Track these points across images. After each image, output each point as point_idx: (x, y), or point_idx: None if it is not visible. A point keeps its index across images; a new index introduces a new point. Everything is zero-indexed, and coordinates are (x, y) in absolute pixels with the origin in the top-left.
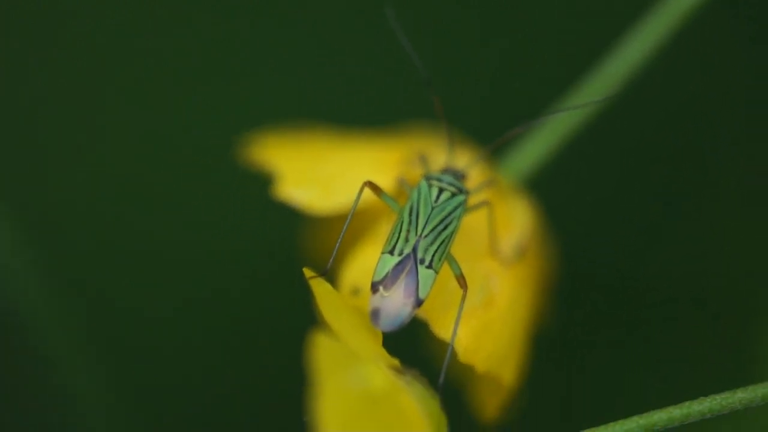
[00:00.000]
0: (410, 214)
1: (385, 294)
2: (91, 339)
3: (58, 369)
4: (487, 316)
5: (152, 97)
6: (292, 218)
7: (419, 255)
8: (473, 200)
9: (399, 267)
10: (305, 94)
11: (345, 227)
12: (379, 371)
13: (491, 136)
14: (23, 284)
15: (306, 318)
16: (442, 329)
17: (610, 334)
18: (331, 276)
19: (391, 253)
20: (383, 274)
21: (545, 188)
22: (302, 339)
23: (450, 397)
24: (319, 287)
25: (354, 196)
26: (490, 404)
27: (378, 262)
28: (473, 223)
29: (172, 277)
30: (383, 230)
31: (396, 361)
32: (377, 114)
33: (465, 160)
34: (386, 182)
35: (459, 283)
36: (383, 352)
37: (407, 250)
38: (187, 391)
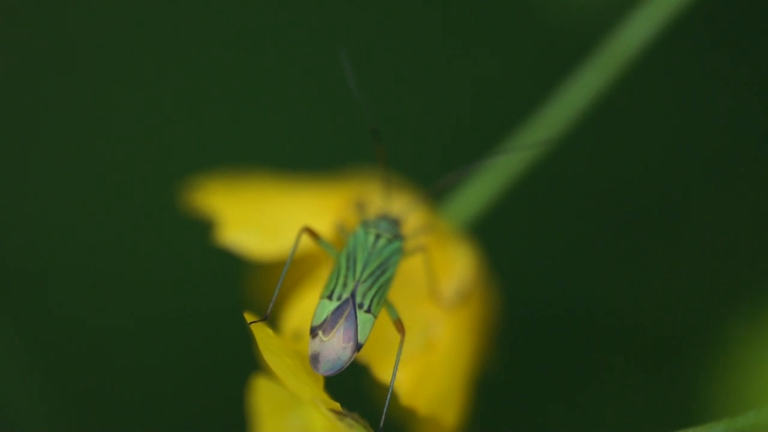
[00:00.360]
0: (348, 260)
1: (324, 338)
2: (29, 351)
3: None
4: (428, 361)
5: (97, 131)
6: (234, 260)
7: (357, 300)
8: (412, 245)
9: (338, 312)
10: (250, 135)
11: (284, 272)
12: (319, 414)
13: (433, 180)
14: None
15: (246, 357)
16: (383, 373)
17: (553, 375)
18: (271, 320)
19: (330, 297)
20: (322, 318)
21: (487, 231)
22: (243, 377)
23: None
24: (260, 332)
25: (293, 236)
26: None
27: (317, 307)
28: (414, 268)
29: (121, 305)
30: (323, 275)
31: (337, 404)
32: (321, 158)
33: (403, 204)
34: (326, 227)
35: (396, 327)
36: (324, 395)
37: (346, 295)
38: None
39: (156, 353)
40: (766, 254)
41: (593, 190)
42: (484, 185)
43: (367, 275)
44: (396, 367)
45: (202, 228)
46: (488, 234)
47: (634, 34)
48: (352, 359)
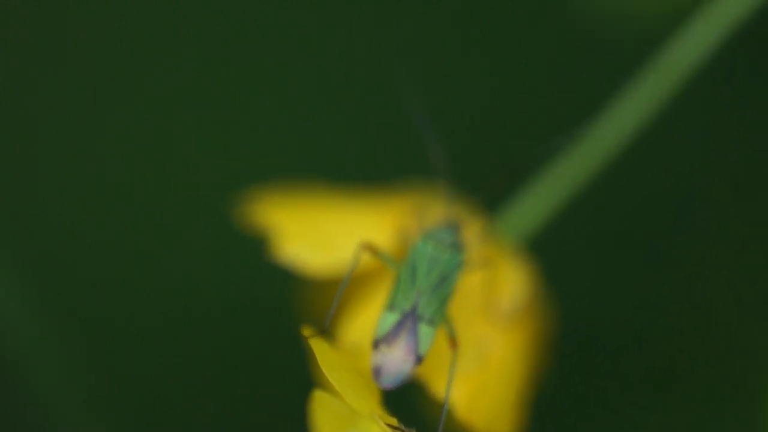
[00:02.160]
0: (409, 272)
1: (387, 351)
2: (72, 355)
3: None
4: (483, 378)
5: (150, 138)
6: (289, 277)
7: (419, 312)
8: (471, 257)
9: (399, 324)
10: (302, 143)
11: (343, 287)
12: (378, 428)
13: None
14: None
15: (303, 378)
16: (438, 389)
17: (608, 395)
18: (329, 335)
19: (392, 310)
20: (384, 331)
21: (545, 245)
22: (300, 398)
23: None
24: (318, 346)
25: (351, 255)
26: None
27: (379, 319)
28: (469, 283)
29: (163, 335)
30: (381, 290)
31: (394, 420)
32: (372, 167)
33: (463, 216)
34: (384, 240)
35: (449, 343)
36: (382, 410)
37: (407, 308)
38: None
39: (164, 356)
40: None
41: (659, 206)
42: (540, 198)
43: (428, 287)
44: (450, 383)
45: (208, 228)
46: (546, 247)
47: (687, 49)
48: (413, 372)
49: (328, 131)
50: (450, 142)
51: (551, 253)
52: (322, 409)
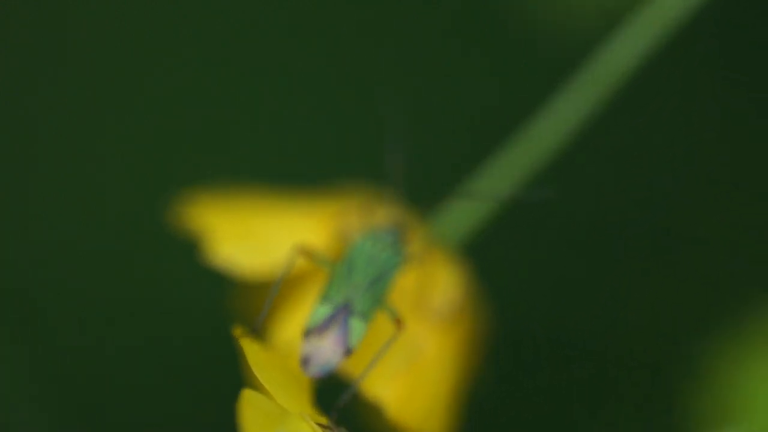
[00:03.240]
0: (346, 268)
1: (316, 341)
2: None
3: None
4: (415, 377)
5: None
6: (222, 278)
7: (352, 306)
8: (409, 259)
9: (331, 316)
10: (243, 144)
11: (275, 288)
12: (307, 427)
13: (426, 197)
14: None
15: (236, 376)
16: (370, 389)
17: (543, 394)
18: (260, 335)
19: (324, 302)
20: (316, 322)
21: (481, 249)
22: (234, 394)
23: None
24: (248, 346)
25: (285, 256)
26: None
27: (311, 311)
28: (403, 283)
29: (111, 328)
30: (315, 291)
31: (325, 419)
32: (314, 169)
33: (403, 218)
34: (320, 241)
35: (395, 324)
36: (313, 409)
37: (340, 301)
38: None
39: (150, 374)
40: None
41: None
42: (475, 208)
43: (363, 283)
44: (377, 358)
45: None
46: (486, 254)
47: (626, 49)
48: (341, 363)
49: (328, 133)
50: (414, 146)
51: (490, 255)
52: (250, 407)
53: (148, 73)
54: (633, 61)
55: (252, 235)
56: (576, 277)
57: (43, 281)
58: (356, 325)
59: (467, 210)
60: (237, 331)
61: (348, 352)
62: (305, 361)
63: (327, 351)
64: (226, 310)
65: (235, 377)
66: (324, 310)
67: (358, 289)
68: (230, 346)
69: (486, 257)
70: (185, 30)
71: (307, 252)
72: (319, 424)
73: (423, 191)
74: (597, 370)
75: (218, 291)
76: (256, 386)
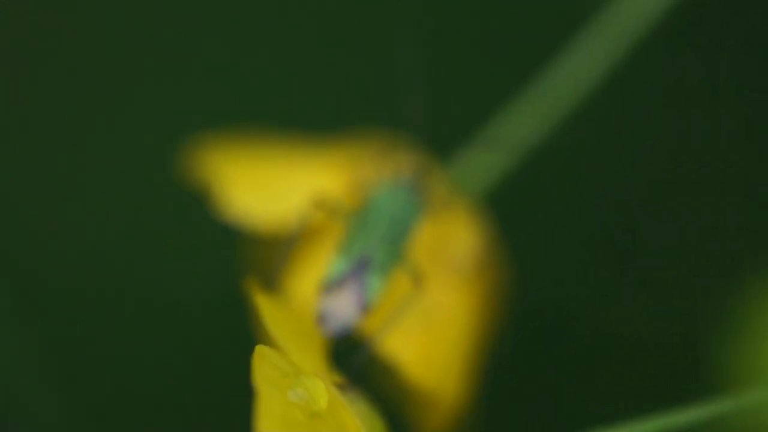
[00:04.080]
0: (363, 219)
1: (333, 298)
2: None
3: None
4: (431, 335)
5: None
6: (236, 237)
7: (370, 260)
8: (428, 209)
9: (349, 271)
10: (260, 93)
11: (291, 240)
12: (321, 387)
13: (446, 144)
14: None
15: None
16: (387, 349)
17: (563, 360)
18: (275, 291)
19: (341, 256)
20: (332, 277)
21: (502, 203)
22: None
23: (393, 416)
24: (262, 301)
25: (302, 207)
26: (432, 423)
27: (328, 266)
28: (422, 238)
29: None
30: (330, 245)
31: (339, 378)
32: (325, 116)
33: (423, 167)
34: (336, 189)
35: (413, 281)
36: (328, 367)
37: (358, 255)
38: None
39: (161, 352)
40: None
41: (627, 170)
42: (496, 156)
43: (381, 235)
44: (397, 317)
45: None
46: (507, 205)
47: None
48: (359, 320)
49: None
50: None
51: (514, 214)
52: (264, 363)
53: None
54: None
55: (267, 185)
56: (599, 240)
57: (53, 263)
58: (374, 280)
59: (488, 158)
60: (249, 286)
61: (366, 309)
62: (321, 319)
63: (344, 308)
64: (239, 266)
65: (247, 342)
66: (341, 265)
67: (376, 242)
68: (244, 313)
69: (507, 208)
70: (185, 34)
71: (323, 203)
72: (334, 383)
73: (442, 138)
74: (618, 337)
75: (231, 252)
76: (270, 343)
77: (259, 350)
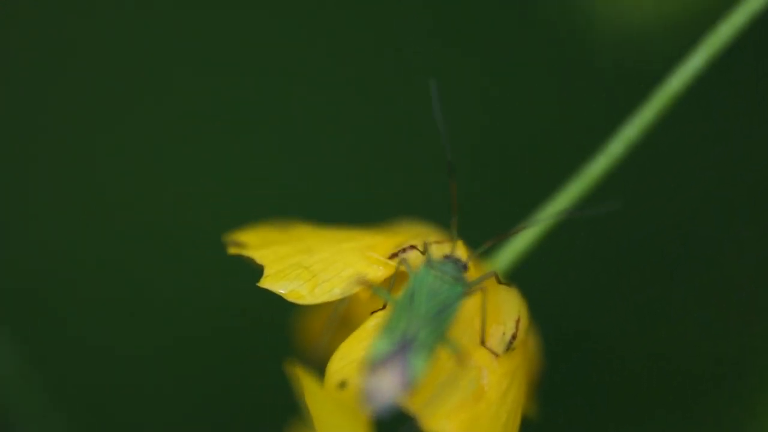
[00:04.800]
0: (408, 300)
1: (377, 376)
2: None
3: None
4: (477, 410)
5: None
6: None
7: (414, 340)
8: (470, 290)
9: (393, 351)
10: (301, 171)
11: (333, 319)
12: None
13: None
14: None
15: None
16: (432, 424)
17: (587, 416)
18: (317, 368)
19: (386, 334)
20: (377, 356)
21: (525, 279)
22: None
23: None
24: (305, 380)
25: (342, 287)
26: None
27: (372, 345)
28: (464, 315)
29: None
30: (372, 323)
31: None
32: (375, 209)
33: (461, 250)
34: (376, 273)
35: (457, 360)
36: None
37: (403, 333)
38: None
39: (164, 377)
40: None
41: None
42: (523, 241)
43: (426, 315)
44: (438, 394)
45: (211, 246)
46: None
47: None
48: (403, 400)
49: (328, 162)
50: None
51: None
52: None
53: (148, 71)
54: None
55: (308, 265)
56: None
57: (52, 279)
58: (418, 359)
59: (523, 241)
60: (292, 365)
61: (409, 387)
62: (365, 397)
63: (388, 387)
64: (289, 339)
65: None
66: (385, 344)
67: (421, 321)
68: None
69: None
70: (188, 44)
71: (365, 281)
72: None
73: (482, 225)
74: (640, 390)
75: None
76: (310, 422)
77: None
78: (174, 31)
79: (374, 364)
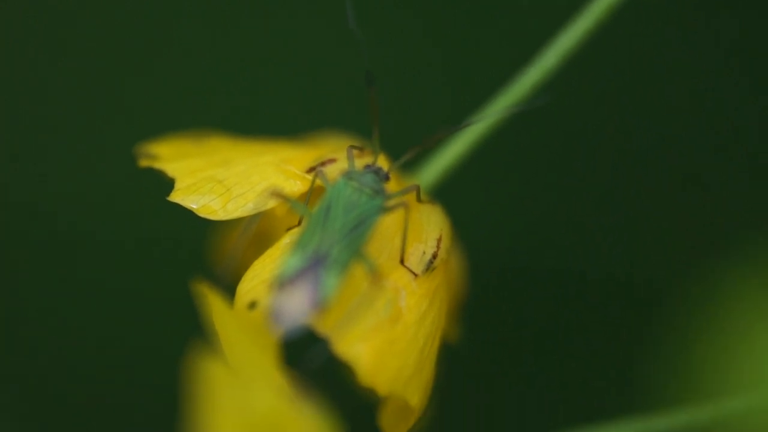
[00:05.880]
0: (323, 213)
1: (287, 294)
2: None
3: None
4: (393, 333)
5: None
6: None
7: (327, 256)
8: (389, 204)
9: (304, 267)
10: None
11: (244, 233)
12: (269, 393)
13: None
14: None
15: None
16: (344, 347)
17: (517, 350)
18: (226, 286)
19: (298, 251)
20: (287, 273)
21: (450, 197)
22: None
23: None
24: (213, 301)
25: (256, 201)
26: (397, 426)
27: (282, 261)
28: (384, 233)
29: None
30: (287, 240)
31: (289, 381)
32: (288, 123)
33: (381, 162)
34: (293, 187)
35: (370, 278)
36: (278, 371)
37: (315, 250)
38: None
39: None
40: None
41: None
42: (453, 151)
43: (341, 230)
44: (351, 315)
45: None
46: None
47: None
48: (314, 318)
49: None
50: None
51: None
52: (211, 373)
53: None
54: None
55: (222, 178)
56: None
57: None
58: (330, 277)
59: (448, 157)
60: (199, 285)
61: (320, 307)
62: (273, 317)
63: (296, 306)
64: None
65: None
66: (295, 261)
67: (335, 236)
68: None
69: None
70: (187, 42)
71: (280, 195)
72: (285, 387)
73: (404, 136)
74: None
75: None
76: (218, 343)
77: (205, 357)
78: (177, 23)
79: (283, 282)
